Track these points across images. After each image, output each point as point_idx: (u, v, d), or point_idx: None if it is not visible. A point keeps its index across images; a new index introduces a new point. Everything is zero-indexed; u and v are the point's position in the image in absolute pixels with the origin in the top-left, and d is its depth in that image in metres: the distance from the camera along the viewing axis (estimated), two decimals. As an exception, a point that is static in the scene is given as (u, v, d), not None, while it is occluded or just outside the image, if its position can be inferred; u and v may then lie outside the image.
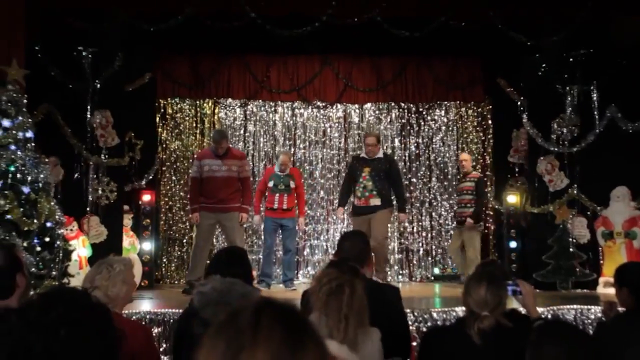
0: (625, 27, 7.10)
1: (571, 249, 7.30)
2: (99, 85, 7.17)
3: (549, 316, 5.13)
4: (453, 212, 8.51)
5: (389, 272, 9.17)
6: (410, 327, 4.42)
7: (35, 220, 5.08)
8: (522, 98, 8.06)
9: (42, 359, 1.51)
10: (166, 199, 9.07)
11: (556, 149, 7.58)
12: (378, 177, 6.90)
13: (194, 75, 8.96)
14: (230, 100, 9.32)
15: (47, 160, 5.78)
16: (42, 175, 5.31)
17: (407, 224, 9.20)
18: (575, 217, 7.44)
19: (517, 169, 8.40)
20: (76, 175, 7.13)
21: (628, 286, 3.06)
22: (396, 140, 9.54)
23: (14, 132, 5.30)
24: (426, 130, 9.59)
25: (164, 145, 9.14)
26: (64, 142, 7.13)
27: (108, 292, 2.82)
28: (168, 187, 9.12)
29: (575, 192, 7.48)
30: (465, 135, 9.54)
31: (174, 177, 9.12)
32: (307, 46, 8.31)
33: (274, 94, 9.16)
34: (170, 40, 7.92)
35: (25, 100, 5.57)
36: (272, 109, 9.48)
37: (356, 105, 9.52)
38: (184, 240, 9.00)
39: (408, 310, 4.65)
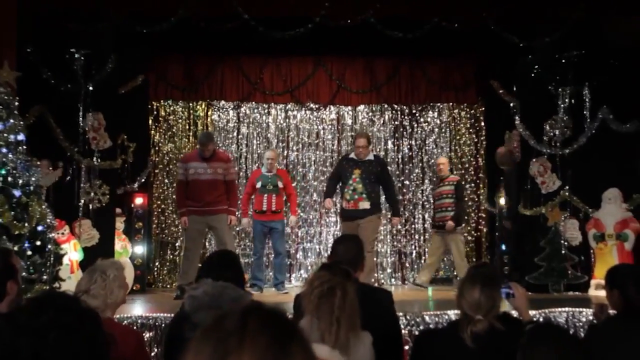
0: (620, 28, 7.14)
1: (563, 251, 7.32)
2: (91, 88, 7.13)
3: (541, 319, 5.13)
4: (431, 217, 8.32)
5: (381, 275, 9.20)
6: (403, 331, 4.43)
7: (26, 224, 5.04)
8: (514, 100, 8.08)
9: (31, 363, 1.50)
10: (158, 202, 9.05)
11: (548, 151, 7.61)
12: (368, 179, 6.80)
13: (187, 78, 8.94)
14: (223, 102, 9.31)
15: (38, 163, 5.74)
16: (33, 179, 5.28)
17: (400, 227, 9.19)
18: (567, 219, 7.46)
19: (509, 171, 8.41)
20: (67, 178, 7.09)
21: (619, 288, 3.06)
22: (389, 142, 9.55)
23: (5, 134, 5.26)
24: (419, 132, 9.61)
25: (157, 148, 9.12)
26: (56, 144, 7.09)
27: (107, 300, 2.82)
28: (161, 190, 9.09)
29: (567, 194, 7.50)
30: (458, 137, 9.57)
31: (166, 180, 9.10)
32: (300, 48, 8.32)
33: (267, 96, 9.16)
34: (163, 42, 7.90)
35: (16, 103, 5.52)
36: (265, 111, 9.48)
37: (349, 107, 9.53)
38: (177, 244, 8.97)
39: (400, 314, 4.64)
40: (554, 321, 5.16)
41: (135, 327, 4.75)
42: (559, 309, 5.35)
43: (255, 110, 9.46)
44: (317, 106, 9.38)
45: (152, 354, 4.74)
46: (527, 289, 6.81)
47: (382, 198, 7.24)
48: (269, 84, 9.11)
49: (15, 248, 4.84)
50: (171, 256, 9.00)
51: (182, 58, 8.87)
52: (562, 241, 7.34)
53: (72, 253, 6.70)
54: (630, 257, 6.96)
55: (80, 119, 7.15)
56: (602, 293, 3.70)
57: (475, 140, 9.50)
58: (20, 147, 5.38)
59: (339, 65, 9.19)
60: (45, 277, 5.14)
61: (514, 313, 3.10)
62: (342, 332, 2.34)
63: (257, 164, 9.18)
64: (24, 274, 4.71)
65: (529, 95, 7.83)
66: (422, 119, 9.63)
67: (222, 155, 7.22)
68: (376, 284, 8.39)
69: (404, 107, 9.55)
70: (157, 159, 9.09)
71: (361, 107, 9.53)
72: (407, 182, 9.46)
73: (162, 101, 9.16)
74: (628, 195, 7.28)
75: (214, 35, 7.55)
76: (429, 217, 9.37)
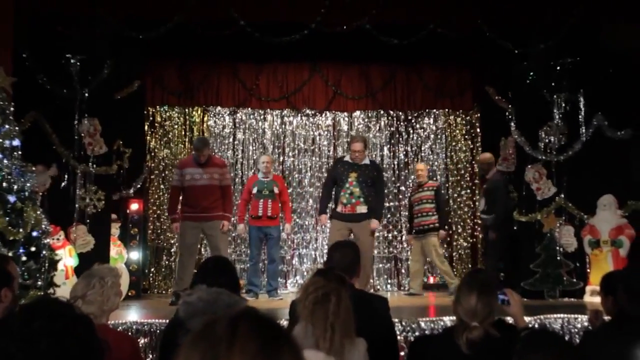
0: (615, 35, 7.18)
1: (558, 258, 7.33)
2: (87, 93, 7.13)
3: (536, 325, 5.13)
4: (411, 223, 8.22)
5: (377, 281, 9.19)
6: (398, 337, 4.42)
7: (21, 230, 5.02)
8: (510, 106, 8.11)
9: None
10: (154, 208, 9.04)
11: (544, 157, 7.63)
12: (365, 183, 6.73)
13: (183, 83, 8.94)
14: (219, 108, 9.31)
15: (33, 168, 5.72)
16: (28, 184, 5.26)
17: (396, 233, 9.20)
18: (562, 226, 7.47)
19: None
20: (63, 184, 7.08)
21: (613, 294, 3.07)
22: (385, 148, 9.56)
23: (0, 140, 5.25)
24: (415, 138, 9.63)
25: (153, 154, 9.11)
26: (52, 150, 7.08)
27: (104, 307, 2.81)
28: (156, 196, 9.08)
29: (562, 200, 7.52)
30: (453, 144, 9.58)
31: (162, 186, 9.09)
32: (296, 54, 8.34)
33: (263, 102, 9.16)
34: (160, 48, 7.90)
35: (12, 108, 5.51)
36: (262, 116, 9.48)
37: (345, 113, 9.54)
38: (172, 250, 8.95)
39: (396, 320, 4.64)
40: (549, 327, 5.16)
41: (130, 333, 4.73)
42: (554, 315, 5.35)
43: (251, 116, 9.47)
44: (313, 112, 9.40)
45: (147, 360, 4.73)
46: (523, 295, 6.88)
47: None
48: (265, 90, 9.12)
49: (10, 254, 4.82)
50: (166, 262, 8.98)
51: (178, 64, 8.87)
52: (558, 247, 7.35)
53: (67, 259, 6.69)
54: (625, 263, 6.97)
55: (76, 124, 7.14)
56: (598, 299, 3.70)
57: (471, 146, 9.52)
58: (15, 153, 5.36)
59: (334, 71, 9.20)
60: (40, 283, 5.12)
61: (509, 319, 3.10)
62: (336, 338, 2.33)
63: (252, 170, 9.16)
64: (18, 279, 4.70)
65: (524, 101, 7.86)
66: (417, 125, 9.64)
67: (218, 161, 7.22)
68: (372, 291, 8.40)
69: (400, 113, 9.57)
70: (152, 165, 9.08)
71: (357, 113, 9.54)
72: (402, 188, 9.47)
73: (158, 107, 9.15)
74: (623, 201, 7.29)
75: (210, 41, 7.55)
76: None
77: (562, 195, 7.51)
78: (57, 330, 1.55)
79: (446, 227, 8.17)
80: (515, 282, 7.14)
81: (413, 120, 9.63)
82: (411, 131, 9.63)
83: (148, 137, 9.06)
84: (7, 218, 4.99)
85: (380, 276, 9.25)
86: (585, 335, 3.46)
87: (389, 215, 9.25)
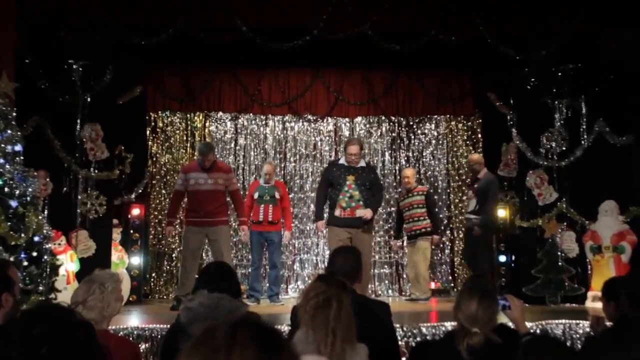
0: (615, 41, 7.19)
1: (560, 263, 7.32)
2: (89, 99, 7.16)
3: (538, 331, 5.12)
4: (398, 229, 8.14)
5: (378, 286, 9.18)
6: (400, 342, 4.42)
7: (22, 235, 5.03)
8: (511, 112, 8.12)
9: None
10: (155, 213, 9.04)
11: (545, 163, 7.63)
12: (364, 186, 6.64)
13: (185, 89, 8.95)
14: (221, 113, 9.32)
15: (35, 173, 5.72)
16: (30, 189, 5.27)
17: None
18: (564, 231, 7.47)
19: (506, 183, 8.42)
20: (65, 189, 7.09)
21: (615, 300, 3.06)
22: (386, 153, 9.57)
23: (2, 145, 5.26)
24: (416, 143, 9.63)
25: (154, 159, 9.13)
26: (54, 155, 7.10)
27: (104, 313, 2.80)
28: (158, 201, 9.09)
29: (564, 206, 7.52)
30: (455, 149, 9.59)
31: (163, 191, 9.10)
32: (298, 60, 8.35)
33: (264, 107, 9.17)
34: (162, 54, 7.92)
35: (14, 113, 5.53)
36: (263, 122, 9.50)
37: (347, 119, 9.55)
38: (174, 255, 8.95)
39: (397, 325, 4.63)
40: (550, 333, 5.15)
41: (131, 338, 4.73)
42: (556, 321, 5.34)
43: (253, 122, 9.48)
44: (314, 118, 9.41)
45: (148, 365, 4.72)
46: (525, 301, 6.85)
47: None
48: (267, 96, 9.13)
49: (12, 259, 4.83)
50: (168, 267, 8.97)
51: (179, 69, 8.89)
52: (559, 253, 7.35)
53: (69, 264, 6.69)
54: (626, 269, 6.96)
55: (78, 129, 7.16)
56: (599, 305, 3.70)
57: (473, 152, 9.51)
58: (17, 158, 5.38)
59: (336, 77, 9.22)
60: (41, 288, 5.12)
61: (511, 325, 3.10)
62: (337, 343, 2.33)
63: (254, 175, 9.18)
64: (20, 284, 4.70)
65: (525, 107, 7.88)
66: (419, 131, 9.65)
67: (223, 166, 7.22)
68: (373, 296, 8.38)
69: (402, 118, 9.58)
70: (154, 170, 9.09)
71: (359, 118, 9.56)
72: (404, 194, 9.45)
73: (159, 112, 9.17)
74: (624, 207, 7.29)
75: (211, 46, 7.57)
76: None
77: (564, 201, 7.51)
78: (58, 335, 1.56)
79: (439, 231, 8.08)
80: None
81: (414, 126, 9.64)
82: (412, 137, 9.64)
83: (150, 143, 9.08)
84: (9, 223, 4.99)
85: (382, 281, 9.25)
86: (587, 341, 3.45)
87: (390, 221, 9.24)
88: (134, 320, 5.62)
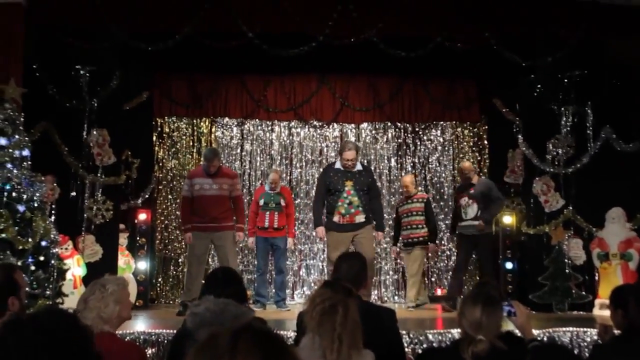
0: (622, 48, 7.18)
1: (567, 270, 7.29)
2: (96, 104, 7.20)
3: (545, 338, 5.10)
4: (398, 235, 7.93)
5: (384, 293, 9.16)
6: (406, 349, 4.40)
7: (30, 239, 5.05)
8: (517, 118, 8.11)
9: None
10: (162, 218, 9.06)
11: (552, 170, 7.61)
12: (362, 191, 6.59)
13: (192, 94, 8.99)
14: (227, 119, 9.35)
15: (42, 178, 5.75)
16: (37, 194, 5.30)
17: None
18: (571, 238, 7.44)
19: (512, 190, 8.41)
20: (72, 194, 7.12)
21: (623, 308, 3.05)
22: (392, 159, 9.57)
23: (10, 150, 5.29)
24: (422, 150, 9.63)
25: (161, 164, 9.15)
26: (61, 160, 7.13)
27: (101, 314, 2.81)
28: (164, 206, 9.11)
29: (570, 213, 7.49)
30: (461, 156, 9.57)
31: (170, 196, 9.12)
32: (303, 66, 8.37)
33: (270, 113, 9.20)
34: (168, 59, 7.96)
35: (22, 119, 5.57)
36: (269, 128, 9.51)
37: (352, 125, 9.56)
38: (180, 260, 8.96)
39: (403, 332, 4.62)
40: (558, 341, 5.13)
41: (137, 343, 4.73)
42: (563, 329, 5.31)
43: (259, 128, 9.50)
44: (320, 124, 9.42)
45: (154, 370, 4.72)
46: (531, 308, 6.84)
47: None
48: (273, 102, 9.16)
49: (19, 263, 4.85)
50: (174, 272, 8.99)
51: (186, 75, 8.93)
52: (566, 260, 7.32)
53: (76, 268, 6.72)
54: (634, 276, 6.93)
55: (85, 134, 7.20)
56: (607, 313, 3.68)
57: (479, 158, 9.51)
58: (25, 163, 5.41)
59: (342, 83, 9.23)
60: (48, 292, 5.14)
61: (518, 332, 3.09)
62: (343, 349, 2.33)
63: (260, 181, 9.18)
64: (27, 289, 4.72)
65: (531, 114, 7.87)
66: (425, 137, 9.65)
67: (228, 171, 7.23)
68: (379, 302, 8.36)
69: (407, 125, 9.58)
70: (160, 175, 9.12)
71: (364, 124, 9.56)
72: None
73: (166, 118, 9.21)
74: (632, 214, 7.26)
75: (218, 52, 7.60)
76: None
77: (571, 208, 7.48)
78: (55, 343, 1.56)
79: (436, 240, 7.99)
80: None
81: (420, 132, 9.63)
82: (418, 143, 9.63)
83: (156, 148, 9.11)
84: (17, 227, 5.02)
85: (387, 288, 9.23)
86: (595, 349, 3.43)
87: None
88: (140, 325, 5.63)
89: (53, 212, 6.58)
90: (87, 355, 1.63)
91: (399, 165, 9.58)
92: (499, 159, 8.61)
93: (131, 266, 7.76)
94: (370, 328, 2.50)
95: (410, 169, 9.52)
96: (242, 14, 6.99)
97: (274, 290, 7.97)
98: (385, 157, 9.58)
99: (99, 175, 7.29)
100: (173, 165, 9.21)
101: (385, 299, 9.12)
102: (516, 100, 8.16)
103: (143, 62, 7.83)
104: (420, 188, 8.72)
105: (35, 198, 5.28)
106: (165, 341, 4.87)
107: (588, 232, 7.48)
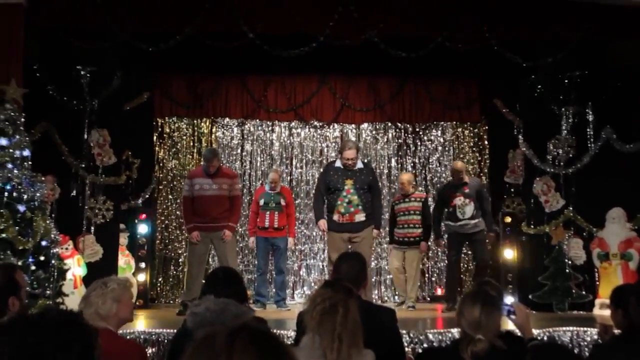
0: (623, 48, 7.19)
1: (567, 270, 7.29)
2: (96, 104, 7.20)
3: (545, 338, 5.10)
4: (394, 233, 7.85)
5: (384, 293, 9.16)
6: (406, 349, 4.41)
7: (30, 239, 5.05)
8: (518, 119, 8.11)
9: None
10: (162, 218, 9.07)
11: (552, 170, 7.62)
12: (362, 190, 6.58)
13: (192, 95, 8.99)
14: (227, 119, 9.35)
15: (43, 178, 5.75)
16: (38, 194, 5.30)
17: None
18: (571, 238, 7.45)
19: (512, 190, 8.40)
20: (72, 194, 7.12)
21: (623, 308, 3.05)
22: (392, 160, 9.57)
23: (10, 150, 5.29)
24: (423, 150, 9.63)
25: (161, 164, 9.16)
26: (61, 160, 7.13)
27: (99, 310, 2.83)
28: (165, 206, 9.11)
29: (571, 213, 7.49)
30: (461, 156, 9.57)
31: (170, 196, 9.12)
32: (304, 66, 8.37)
33: (271, 114, 9.20)
34: (169, 60, 7.97)
35: (22, 119, 5.57)
36: (270, 128, 9.52)
37: (353, 125, 9.56)
38: (180, 260, 8.97)
39: (403, 332, 4.62)
40: (558, 340, 5.13)
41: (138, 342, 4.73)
42: (563, 328, 5.32)
43: (260, 128, 9.50)
44: (320, 124, 9.42)
45: (154, 370, 4.73)
46: (532, 308, 6.84)
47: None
48: (273, 102, 9.16)
49: (19, 263, 4.85)
50: (174, 272, 8.99)
51: (186, 75, 8.93)
52: (566, 260, 7.32)
53: (76, 268, 6.71)
54: (634, 276, 6.93)
55: (86, 135, 7.20)
56: (607, 312, 3.68)
57: (479, 158, 9.52)
58: (25, 163, 5.41)
59: (343, 84, 9.24)
60: (48, 292, 5.14)
61: (518, 331, 3.09)
62: (344, 349, 2.33)
63: (260, 181, 9.19)
64: (27, 288, 4.72)
65: (532, 114, 7.87)
66: (425, 137, 9.65)
67: (227, 171, 7.24)
68: (379, 302, 8.36)
69: (408, 125, 9.58)
70: (161, 175, 9.12)
71: (365, 125, 9.56)
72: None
73: (166, 118, 9.21)
74: (632, 214, 7.27)
75: (218, 53, 7.60)
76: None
77: (571, 208, 7.49)
78: (56, 342, 1.57)
79: (429, 239, 7.96)
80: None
81: (421, 133, 9.63)
82: (419, 143, 9.63)
83: (157, 148, 9.12)
84: (17, 227, 5.02)
85: (388, 288, 9.23)
86: (595, 348, 3.44)
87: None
88: (140, 324, 5.63)
89: (53, 212, 6.58)
90: (90, 354, 1.63)
91: (400, 166, 9.57)
92: (500, 159, 8.61)
93: (131, 266, 7.76)
94: (370, 328, 2.51)
95: (410, 169, 9.51)
96: (243, 15, 6.99)
97: (274, 290, 7.97)
98: (386, 158, 9.58)
99: (99, 175, 7.30)
100: (173, 166, 9.22)
101: (386, 298, 9.12)
102: (517, 100, 8.16)
103: (144, 62, 7.84)
104: (420, 188, 8.73)
105: (35, 198, 5.28)
106: (165, 341, 4.88)
107: (588, 232, 7.48)
